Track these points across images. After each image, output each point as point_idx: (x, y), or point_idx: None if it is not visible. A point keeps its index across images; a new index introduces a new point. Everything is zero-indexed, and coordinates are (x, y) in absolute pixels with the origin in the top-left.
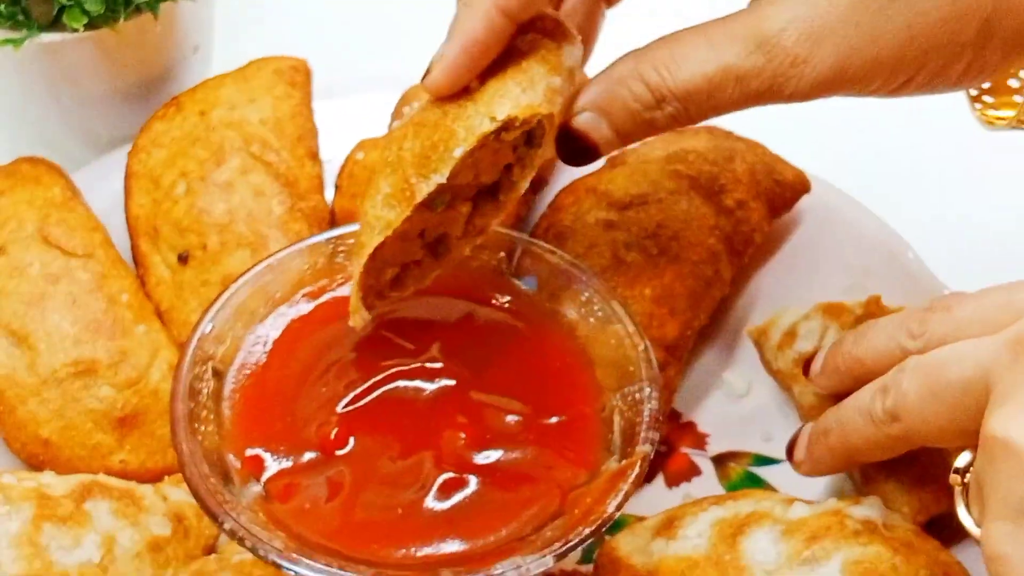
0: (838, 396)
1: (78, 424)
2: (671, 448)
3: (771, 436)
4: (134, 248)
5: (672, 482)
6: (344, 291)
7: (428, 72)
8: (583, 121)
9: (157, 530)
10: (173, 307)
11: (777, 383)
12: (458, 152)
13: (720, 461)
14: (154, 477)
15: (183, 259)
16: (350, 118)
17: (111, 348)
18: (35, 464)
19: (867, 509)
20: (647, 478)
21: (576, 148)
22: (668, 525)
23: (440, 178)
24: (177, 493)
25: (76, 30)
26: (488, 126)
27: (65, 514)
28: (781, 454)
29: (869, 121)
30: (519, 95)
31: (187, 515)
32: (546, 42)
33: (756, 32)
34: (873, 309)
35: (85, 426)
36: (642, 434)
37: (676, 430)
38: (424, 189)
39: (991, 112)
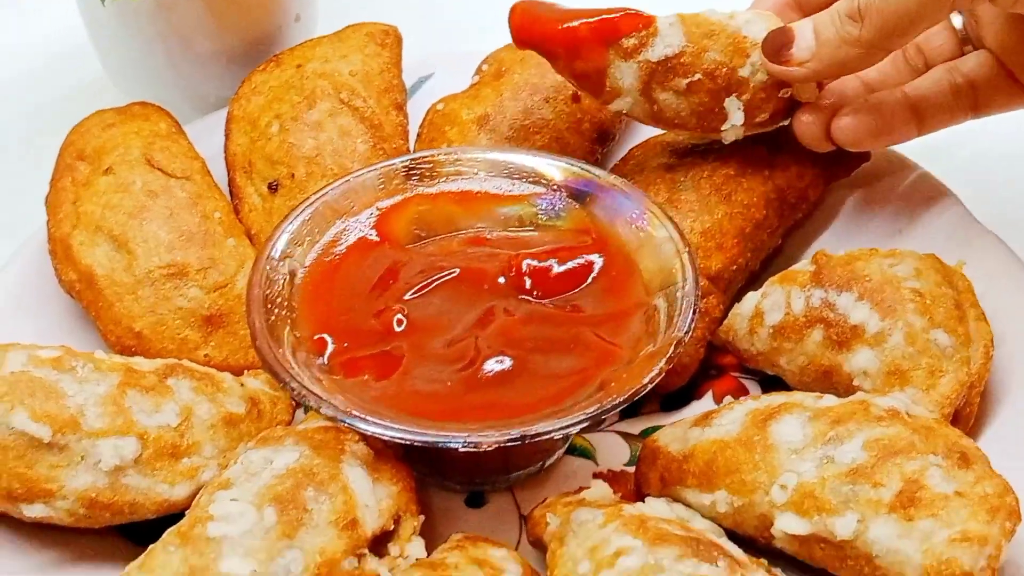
0: None
1: (168, 320)
2: (721, 371)
3: None
4: (230, 182)
5: (720, 401)
6: (412, 206)
7: None
8: (795, 25)
9: (233, 408)
10: (262, 231)
11: (763, 369)
12: None
13: (768, 384)
14: (235, 373)
15: (273, 188)
16: (437, 83)
17: (202, 256)
18: (127, 355)
19: (892, 400)
20: (697, 396)
21: (776, 41)
22: (705, 417)
23: None
24: (254, 383)
25: None
26: None
27: (149, 385)
28: None
29: None
30: None
31: (261, 400)
32: None
33: None
34: (821, 261)
35: (174, 322)
36: (677, 322)
37: (726, 356)
38: None
39: None
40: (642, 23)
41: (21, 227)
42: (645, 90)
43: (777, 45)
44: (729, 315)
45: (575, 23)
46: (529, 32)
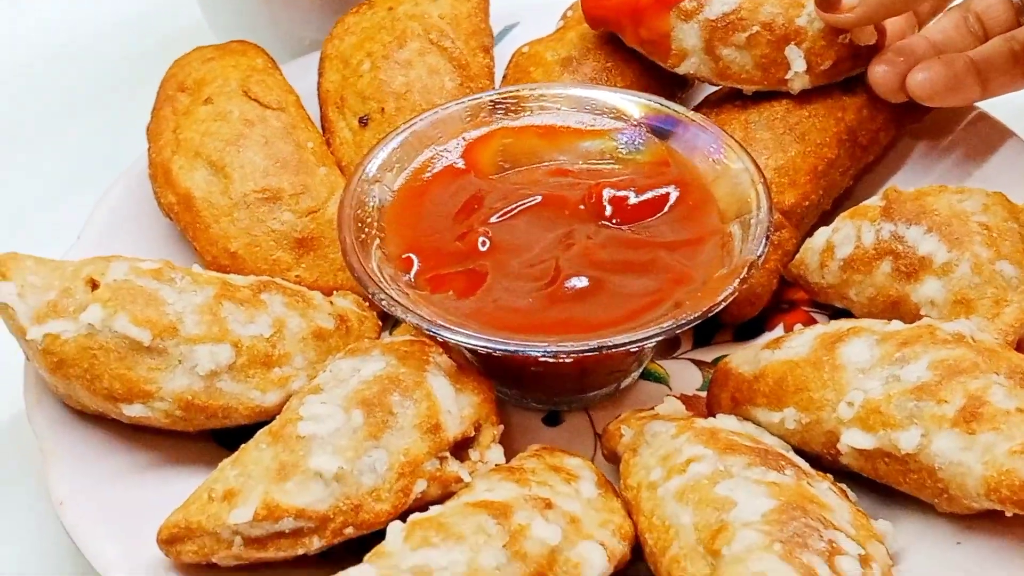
0: None
1: (262, 242)
2: (792, 305)
3: None
4: (323, 117)
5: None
6: (498, 138)
7: None
8: None
9: (322, 323)
10: (352, 162)
11: (833, 303)
12: None
13: (837, 318)
14: (324, 293)
15: (363, 122)
16: (522, 31)
17: (295, 182)
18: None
19: (958, 325)
20: (768, 328)
21: None
22: (775, 341)
23: None
24: (343, 302)
25: None
26: None
27: (243, 298)
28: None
29: None
30: None
31: (350, 318)
32: None
33: None
34: (892, 196)
35: (268, 244)
36: (751, 245)
37: (798, 291)
38: None
39: None
40: None
41: (124, 159)
42: (708, 48)
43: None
44: (801, 249)
45: None
46: (597, 9)
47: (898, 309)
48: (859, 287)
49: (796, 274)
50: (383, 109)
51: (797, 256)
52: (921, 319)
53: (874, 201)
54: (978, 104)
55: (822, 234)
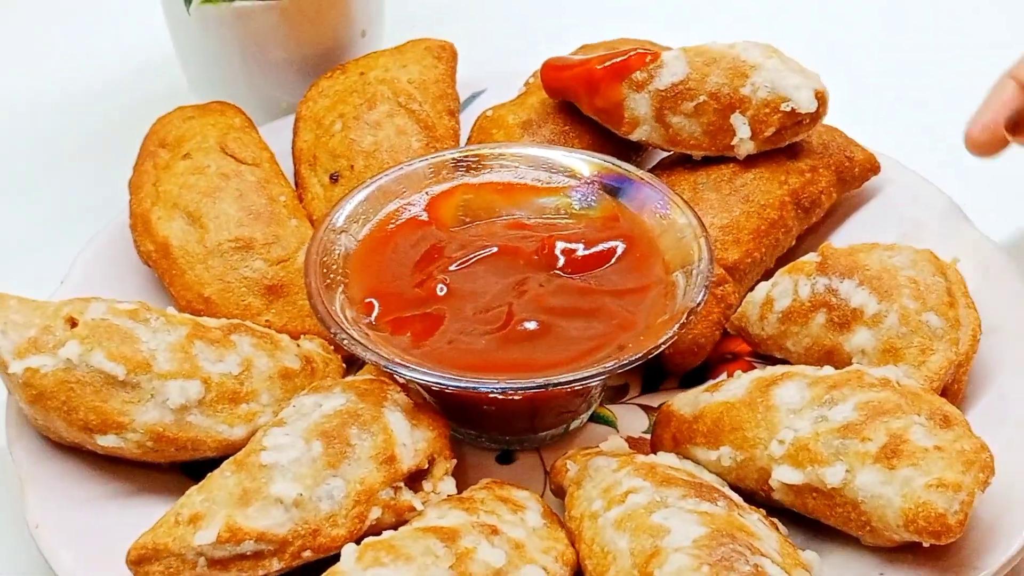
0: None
1: (234, 288)
2: (736, 356)
3: None
4: (296, 174)
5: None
6: (459, 194)
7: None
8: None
9: (289, 363)
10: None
11: (772, 353)
12: None
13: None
14: (293, 337)
15: (334, 178)
16: (489, 98)
17: (266, 232)
18: None
19: (884, 371)
20: (712, 377)
21: None
22: (714, 385)
23: None
24: (309, 345)
25: None
26: None
27: (214, 338)
28: None
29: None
30: None
31: (315, 359)
32: None
33: None
34: (827, 252)
35: (240, 290)
36: (690, 293)
37: (741, 343)
38: None
39: None
40: (649, 58)
41: (107, 210)
42: (659, 116)
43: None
44: (743, 303)
45: (592, 67)
46: (556, 81)
47: (832, 358)
48: (796, 338)
49: (738, 326)
50: (352, 166)
51: (739, 309)
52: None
53: (810, 257)
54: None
55: (762, 288)
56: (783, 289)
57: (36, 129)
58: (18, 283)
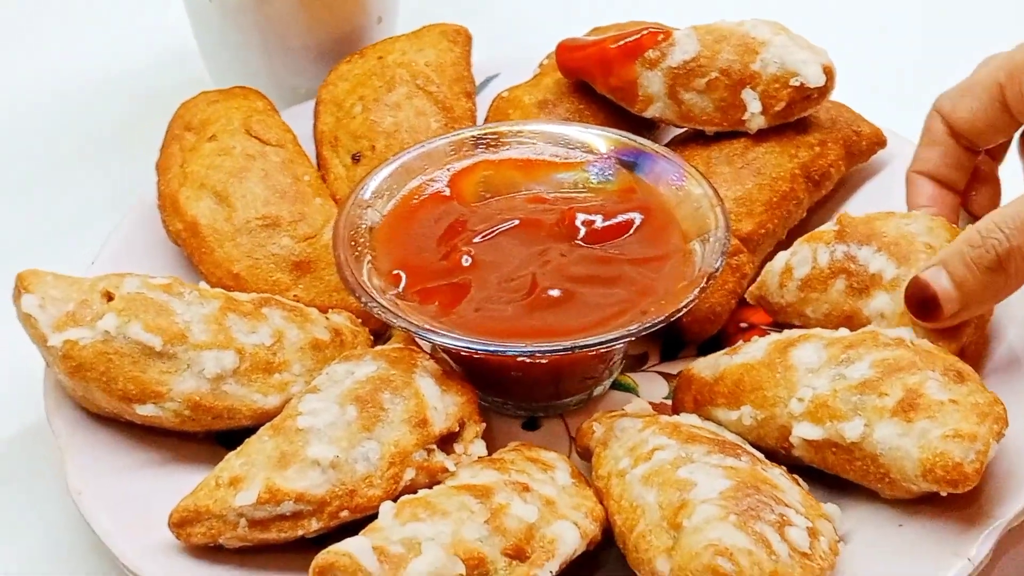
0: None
1: (262, 264)
2: (752, 326)
3: None
4: (318, 156)
5: None
6: (479, 170)
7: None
8: (926, 273)
9: (319, 335)
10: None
11: (791, 321)
12: None
13: None
14: (321, 311)
15: (356, 159)
16: (503, 81)
17: (292, 210)
18: None
19: (899, 331)
20: (730, 344)
21: (919, 299)
22: (734, 348)
23: None
24: (338, 318)
25: None
26: None
27: (246, 311)
28: None
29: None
30: None
31: (344, 332)
32: None
33: None
34: (844, 221)
35: (268, 266)
36: (708, 259)
37: (757, 312)
38: None
39: None
40: (661, 36)
41: (136, 191)
42: (671, 93)
43: (922, 307)
44: (762, 272)
45: (606, 47)
46: (570, 61)
47: (851, 324)
48: (815, 304)
49: (758, 295)
50: (374, 147)
51: (759, 278)
52: None
53: (828, 226)
54: None
55: (781, 257)
56: (802, 257)
57: (62, 117)
58: (52, 265)
